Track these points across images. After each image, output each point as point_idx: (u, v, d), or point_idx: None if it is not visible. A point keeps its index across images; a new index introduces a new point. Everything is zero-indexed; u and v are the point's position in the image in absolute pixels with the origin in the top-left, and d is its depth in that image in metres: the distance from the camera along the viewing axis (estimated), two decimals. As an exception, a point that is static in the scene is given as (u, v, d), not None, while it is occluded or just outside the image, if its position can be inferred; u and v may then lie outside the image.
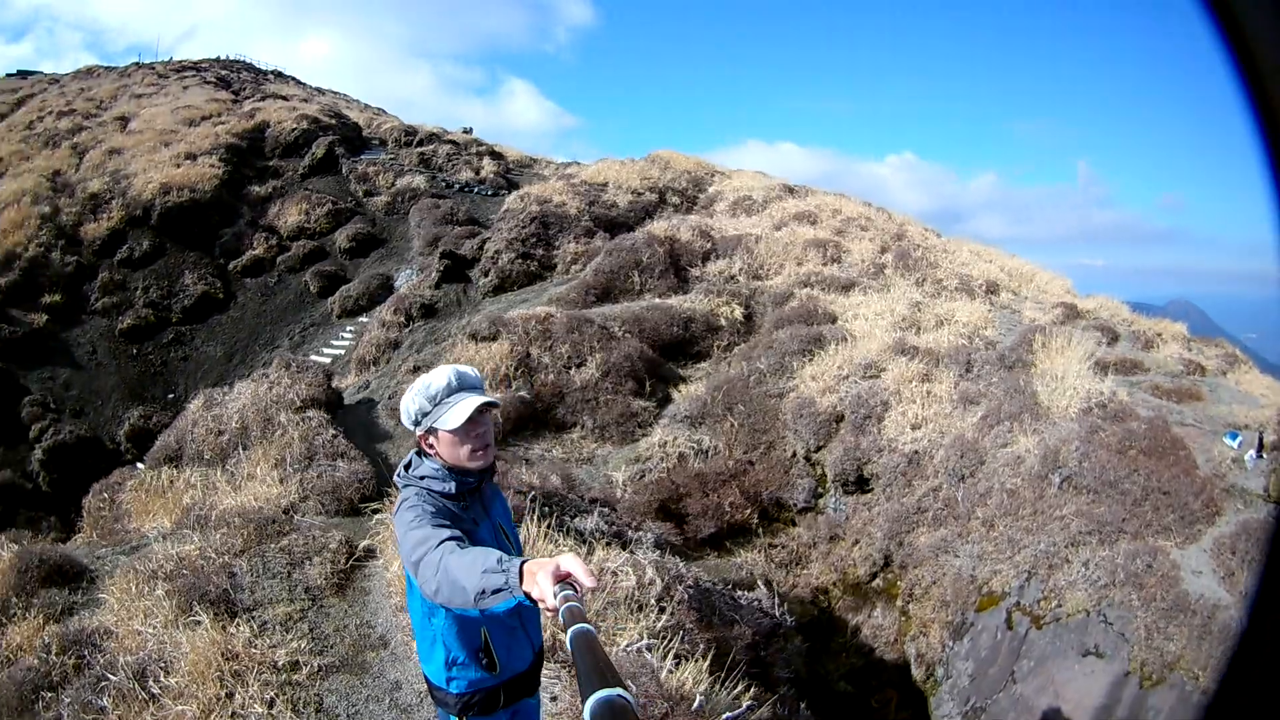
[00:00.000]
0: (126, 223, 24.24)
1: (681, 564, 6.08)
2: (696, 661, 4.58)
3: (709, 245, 17.18)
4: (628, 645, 4.59)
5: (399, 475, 2.76)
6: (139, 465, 12.51)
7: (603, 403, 12.18)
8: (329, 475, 8.42)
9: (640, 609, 5.04)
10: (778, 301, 14.36)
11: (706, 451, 10.89)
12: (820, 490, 10.32)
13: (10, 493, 16.40)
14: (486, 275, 18.97)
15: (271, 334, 22.15)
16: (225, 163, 26.71)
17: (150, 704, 4.73)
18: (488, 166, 29.56)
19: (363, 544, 6.61)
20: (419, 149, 30.71)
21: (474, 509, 2.74)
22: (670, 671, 4.36)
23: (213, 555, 6.43)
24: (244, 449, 10.02)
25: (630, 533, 6.66)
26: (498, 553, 2.07)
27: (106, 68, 46.79)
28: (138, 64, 45.99)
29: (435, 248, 21.43)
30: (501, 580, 1.97)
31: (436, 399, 2.66)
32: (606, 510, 7.17)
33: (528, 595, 1.90)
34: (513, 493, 6.54)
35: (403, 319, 18.59)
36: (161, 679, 4.88)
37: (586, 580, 1.83)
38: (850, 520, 9.67)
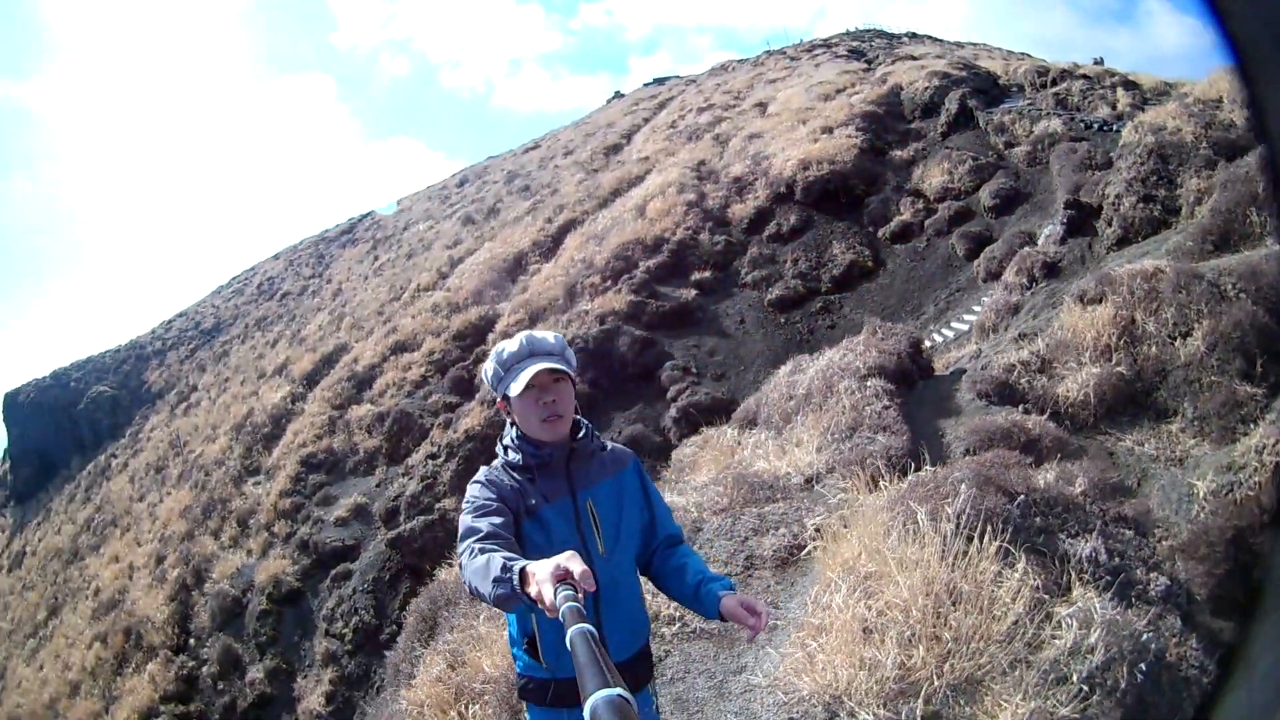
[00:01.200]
0: (772, 200, 26.04)
1: (1167, 634, 4.38)
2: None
3: (1339, 161, 13.39)
4: None
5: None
6: (725, 426, 12.99)
7: (1206, 385, 10.25)
8: (863, 448, 8.13)
9: (1058, 683, 3.81)
10: None
11: (1313, 466, 8.49)
12: None
13: (638, 444, 18.50)
14: (1109, 225, 17.04)
15: (918, 300, 21.80)
16: (862, 131, 27.67)
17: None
18: (1123, 99, 26.05)
19: (812, 522, 6.25)
20: (1052, 89, 28.38)
21: (548, 484, 2.62)
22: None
23: (693, 510, 6.90)
24: (802, 415, 10.19)
25: (1141, 572, 5.17)
26: (503, 557, 2.09)
27: (739, 61, 51.25)
28: (768, 51, 49.54)
29: (1077, 197, 19.51)
30: (506, 588, 2.00)
31: (508, 365, 2.63)
32: (1129, 535, 5.81)
33: (529, 596, 1.93)
34: (994, 491, 5.06)
35: (1025, 280, 17.43)
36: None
37: (584, 583, 1.83)
38: None
